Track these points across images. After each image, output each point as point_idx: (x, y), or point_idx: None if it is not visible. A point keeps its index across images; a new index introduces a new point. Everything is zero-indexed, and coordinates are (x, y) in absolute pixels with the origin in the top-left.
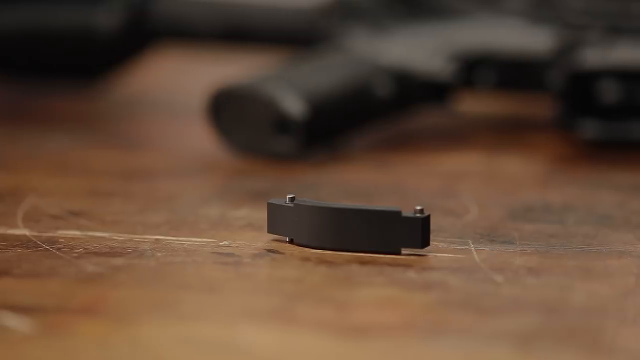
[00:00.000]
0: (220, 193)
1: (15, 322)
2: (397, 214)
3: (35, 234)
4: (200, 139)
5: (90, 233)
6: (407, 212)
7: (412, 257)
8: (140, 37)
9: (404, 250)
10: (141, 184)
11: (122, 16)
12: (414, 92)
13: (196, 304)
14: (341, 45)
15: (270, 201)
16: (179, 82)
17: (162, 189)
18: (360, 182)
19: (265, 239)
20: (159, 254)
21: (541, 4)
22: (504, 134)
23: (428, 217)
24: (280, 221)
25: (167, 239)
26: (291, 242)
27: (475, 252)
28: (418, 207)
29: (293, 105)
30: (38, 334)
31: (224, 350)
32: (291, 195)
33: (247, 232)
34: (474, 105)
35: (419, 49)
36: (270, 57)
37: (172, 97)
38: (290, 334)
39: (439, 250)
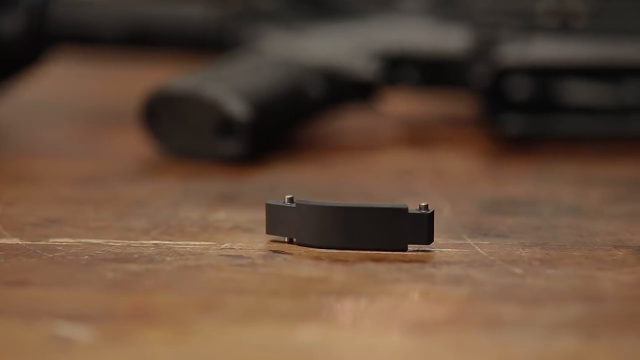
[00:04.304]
0: (185, 196)
1: (73, 332)
2: (404, 211)
3: (28, 242)
4: (129, 143)
5: (83, 240)
6: (412, 209)
7: (420, 253)
8: (41, 41)
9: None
10: (100, 190)
11: (22, 21)
12: (341, 91)
13: (241, 306)
14: (259, 48)
15: (268, 202)
16: (82, 87)
17: (125, 195)
18: (317, 182)
19: (263, 240)
20: (168, 259)
21: (441, 5)
22: (431, 131)
23: (432, 213)
24: (281, 222)
25: (166, 244)
26: (290, 242)
27: (477, 247)
28: (422, 204)
29: (237, 107)
30: (104, 343)
31: (293, 350)
32: (290, 196)
33: (240, 234)
34: (397, 103)
35: (339, 49)
36: (178, 63)
37: (74, 102)
38: (349, 332)
39: (441, 245)
